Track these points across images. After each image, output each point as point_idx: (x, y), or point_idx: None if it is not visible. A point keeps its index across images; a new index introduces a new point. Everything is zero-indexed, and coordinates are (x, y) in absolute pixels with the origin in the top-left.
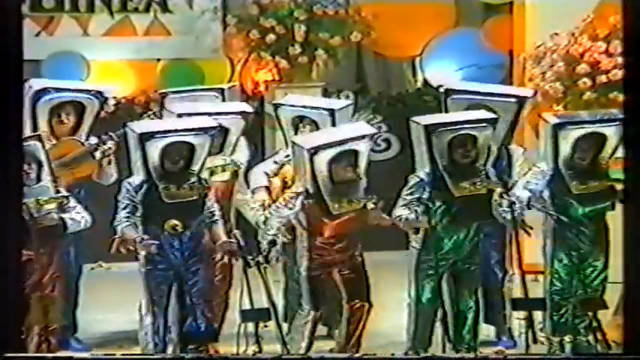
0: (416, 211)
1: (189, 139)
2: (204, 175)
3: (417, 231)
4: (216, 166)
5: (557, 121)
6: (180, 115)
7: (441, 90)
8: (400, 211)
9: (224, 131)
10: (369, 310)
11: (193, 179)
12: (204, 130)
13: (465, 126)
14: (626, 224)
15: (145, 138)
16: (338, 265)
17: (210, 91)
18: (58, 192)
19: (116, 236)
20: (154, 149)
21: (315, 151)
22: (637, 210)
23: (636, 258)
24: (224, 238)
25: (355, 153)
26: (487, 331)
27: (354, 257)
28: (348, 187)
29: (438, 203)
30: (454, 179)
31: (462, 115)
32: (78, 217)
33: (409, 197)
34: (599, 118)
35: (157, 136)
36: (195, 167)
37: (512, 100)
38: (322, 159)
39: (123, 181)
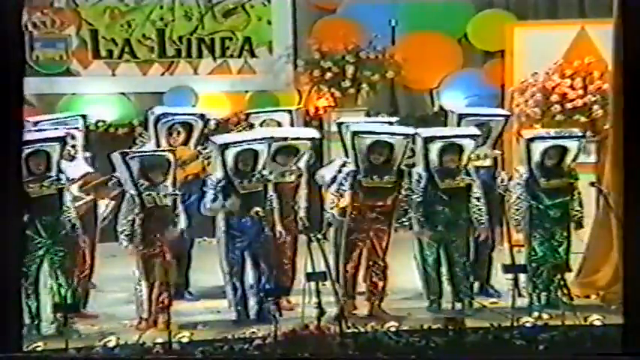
0: None
1: (255, 146)
2: (265, 173)
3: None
4: (282, 172)
5: (529, 136)
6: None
7: (456, 114)
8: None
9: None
10: (386, 268)
11: (257, 176)
12: (265, 140)
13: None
14: (626, 226)
15: (223, 147)
16: (372, 231)
17: (281, 112)
18: (174, 191)
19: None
20: (230, 155)
21: (354, 134)
22: (636, 214)
23: (635, 259)
24: (279, 221)
25: (390, 145)
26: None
27: (387, 229)
28: (381, 169)
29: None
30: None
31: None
32: (182, 217)
33: None
34: (561, 135)
35: (231, 145)
36: (259, 167)
37: (502, 118)
38: (364, 143)
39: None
